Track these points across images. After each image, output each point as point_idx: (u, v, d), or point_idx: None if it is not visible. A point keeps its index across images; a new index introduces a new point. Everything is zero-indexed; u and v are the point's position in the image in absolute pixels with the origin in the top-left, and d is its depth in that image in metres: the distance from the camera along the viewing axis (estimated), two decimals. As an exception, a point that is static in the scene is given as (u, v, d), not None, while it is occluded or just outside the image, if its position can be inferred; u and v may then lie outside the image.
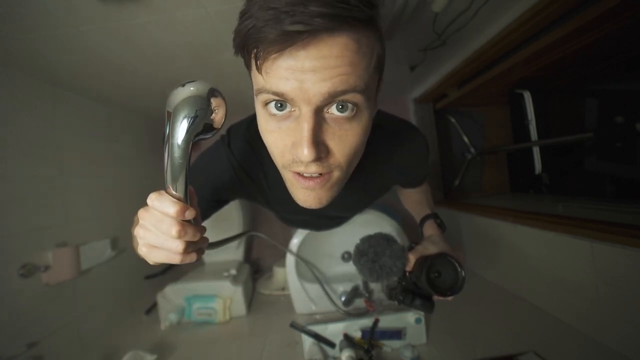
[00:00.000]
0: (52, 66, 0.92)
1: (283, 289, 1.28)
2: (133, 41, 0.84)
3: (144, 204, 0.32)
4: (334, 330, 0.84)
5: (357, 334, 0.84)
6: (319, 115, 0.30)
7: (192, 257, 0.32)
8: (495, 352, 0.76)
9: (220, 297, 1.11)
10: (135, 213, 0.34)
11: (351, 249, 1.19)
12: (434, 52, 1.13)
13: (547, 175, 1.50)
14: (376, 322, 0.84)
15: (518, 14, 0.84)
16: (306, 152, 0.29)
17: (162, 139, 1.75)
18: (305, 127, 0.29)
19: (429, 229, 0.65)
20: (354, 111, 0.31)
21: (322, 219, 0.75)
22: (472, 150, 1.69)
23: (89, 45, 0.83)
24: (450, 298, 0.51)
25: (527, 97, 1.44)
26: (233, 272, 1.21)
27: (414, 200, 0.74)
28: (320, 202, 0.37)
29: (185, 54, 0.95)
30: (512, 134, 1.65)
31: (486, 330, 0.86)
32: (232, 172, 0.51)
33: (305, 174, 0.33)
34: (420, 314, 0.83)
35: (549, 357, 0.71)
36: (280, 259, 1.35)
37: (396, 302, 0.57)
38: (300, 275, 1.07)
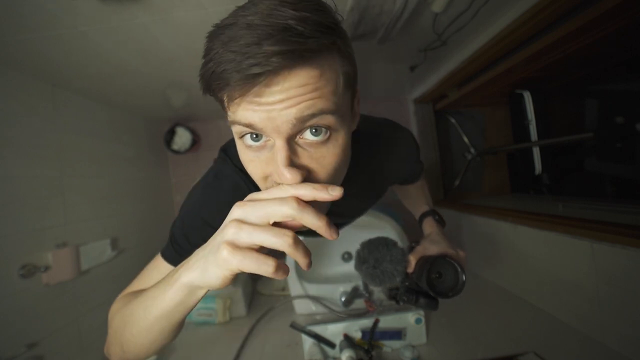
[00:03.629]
0: (52, 67, 0.92)
1: (283, 289, 1.28)
2: (133, 41, 0.84)
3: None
4: (334, 331, 0.84)
5: (357, 335, 0.84)
6: (292, 142, 0.30)
7: (286, 271, 0.29)
8: (495, 353, 0.76)
9: (220, 298, 1.11)
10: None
11: (351, 249, 1.20)
12: (434, 52, 1.13)
13: (547, 176, 1.50)
14: (376, 322, 0.84)
15: (518, 14, 0.84)
16: (287, 175, 0.28)
17: (162, 139, 1.74)
18: (280, 157, 0.29)
19: (428, 226, 0.65)
20: (328, 134, 0.31)
21: None
22: (472, 150, 1.69)
23: (89, 46, 0.83)
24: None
25: (527, 97, 1.44)
26: (233, 272, 1.21)
27: (411, 197, 0.74)
28: None
29: (186, 54, 0.95)
30: (512, 134, 1.65)
31: (486, 330, 0.86)
32: (247, 188, 0.48)
33: None
34: (421, 314, 0.83)
35: (549, 357, 0.71)
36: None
37: (400, 303, 0.58)
38: (300, 275, 1.07)
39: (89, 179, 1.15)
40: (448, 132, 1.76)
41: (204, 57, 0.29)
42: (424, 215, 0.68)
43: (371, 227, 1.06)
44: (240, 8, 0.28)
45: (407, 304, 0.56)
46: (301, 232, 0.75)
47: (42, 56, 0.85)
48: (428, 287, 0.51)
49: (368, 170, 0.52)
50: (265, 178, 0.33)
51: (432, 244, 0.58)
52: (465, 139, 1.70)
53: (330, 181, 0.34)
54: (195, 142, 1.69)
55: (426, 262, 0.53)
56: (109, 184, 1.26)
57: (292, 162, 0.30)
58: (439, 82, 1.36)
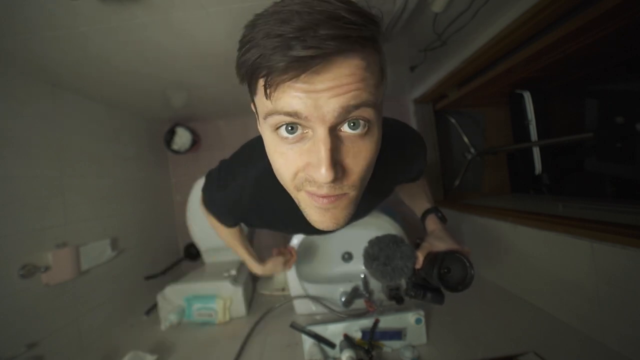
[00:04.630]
0: (52, 67, 0.92)
1: (283, 289, 1.28)
2: (133, 42, 0.84)
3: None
4: (334, 331, 0.84)
5: (358, 335, 0.84)
6: (333, 134, 0.30)
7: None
8: (495, 353, 0.76)
9: (221, 298, 1.11)
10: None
11: (351, 249, 1.19)
12: (434, 52, 1.13)
13: (547, 176, 1.50)
14: (376, 322, 0.84)
15: (518, 14, 0.84)
16: (324, 173, 0.28)
17: (162, 139, 1.74)
18: (323, 149, 0.28)
19: (431, 223, 0.66)
20: (366, 127, 0.31)
21: None
22: (472, 150, 1.69)
23: (89, 46, 0.83)
24: None
25: (527, 97, 1.44)
26: (233, 272, 1.21)
27: (413, 194, 0.74)
28: (337, 222, 0.36)
29: (185, 55, 0.95)
30: (512, 134, 1.65)
31: (486, 330, 0.86)
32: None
33: (319, 194, 0.33)
34: (421, 314, 0.83)
35: (549, 357, 0.71)
36: (280, 259, 1.34)
37: (408, 298, 0.59)
38: (300, 275, 1.07)
39: (89, 179, 1.15)
40: (448, 132, 1.76)
41: (243, 45, 0.28)
42: (426, 213, 0.68)
43: (370, 226, 1.06)
44: (280, 2, 0.28)
45: (415, 298, 0.57)
46: (305, 232, 0.77)
47: (42, 56, 0.85)
48: (439, 281, 0.52)
49: (379, 171, 0.52)
50: (295, 175, 0.32)
51: (438, 240, 0.59)
52: (465, 139, 1.70)
53: (360, 182, 0.34)
54: (195, 142, 1.69)
55: (436, 258, 0.54)
56: (109, 184, 1.26)
57: (334, 157, 0.29)
58: (439, 82, 1.36)
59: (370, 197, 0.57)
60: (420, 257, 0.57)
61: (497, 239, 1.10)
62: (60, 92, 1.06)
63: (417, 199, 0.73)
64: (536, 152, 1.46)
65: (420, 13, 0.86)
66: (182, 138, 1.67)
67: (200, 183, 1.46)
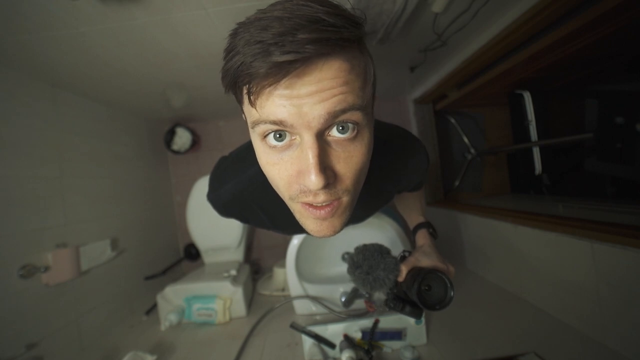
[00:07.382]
0: (51, 67, 0.92)
1: (283, 289, 1.28)
2: (133, 42, 0.84)
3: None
4: (334, 331, 0.84)
5: (358, 335, 0.84)
6: (321, 139, 0.29)
7: None
8: (495, 353, 0.76)
9: (220, 298, 1.11)
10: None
11: (351, 249, 1.19)
12: (433, 52, 1.13)
13: (547, 176, 1.50)
14: (376, 322, 0.84)
15: (518, 14, 0.84)
16: (314, 179, 0.28)
17: (162, 140, 1.74)
18: (310, 154, 0.28)
19: (422, 238, 0.66)
20: (355, 131, 0.30)
21: None
22: (472, 150, 1.69)
23: (88, 46, 0.83)
24: None
25: (527, 97, 1.44)
26: (233, 272, 1.21)
27: (407, 205, 0.74)
28: (335, 230, 0.36)
29: (185, 55, 0.95)
30: (512, 135, 1.65)
31: (487, 331, 0.86)
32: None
33: (315, 204, 0.32)
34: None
35: (549, 358, 0.71)
36: (280, 260, 1.35)
37: (387, 308, 0.60)
38: (300, 275, 1.07)
39: (89, 179, 1.15)
40: (448, 132, 1.76)
41: (227, 53, 0.28)
42: (418, 227, 0.68)
43: (371, 226, 1.06)
44: (262, 10, 0.27)
45: (393, 310, 0.58)
46: (302, 232, 0.76)
47: (41, 57, 0.85)
48: (417, 298, 0.53)
49: (379, 178, 0.52)
50: (289, 185, 0.32)
51: (424, 256, 0.59)
52: (465, 139, 1.70)
53: (354, 187, 0.33)
54: (195, 143, 1.69)
55: (418, 274, 0.55)
56: (109, 184, 1.26)
57: (322, 162, 0.29)
58: (439, 83, 1.36)
59: (370, 201, 0.57)
60: (404, 270, 0.57)
61: (497, 239, 1.10)
62: (60, 92, 1.06)
63: (411, 209, 0.73)
64: (536, 152, 1.46)
65: (420, 13, 0.86)
66: (182, 138, 1.68)
67: (200, 183, 1.46)
